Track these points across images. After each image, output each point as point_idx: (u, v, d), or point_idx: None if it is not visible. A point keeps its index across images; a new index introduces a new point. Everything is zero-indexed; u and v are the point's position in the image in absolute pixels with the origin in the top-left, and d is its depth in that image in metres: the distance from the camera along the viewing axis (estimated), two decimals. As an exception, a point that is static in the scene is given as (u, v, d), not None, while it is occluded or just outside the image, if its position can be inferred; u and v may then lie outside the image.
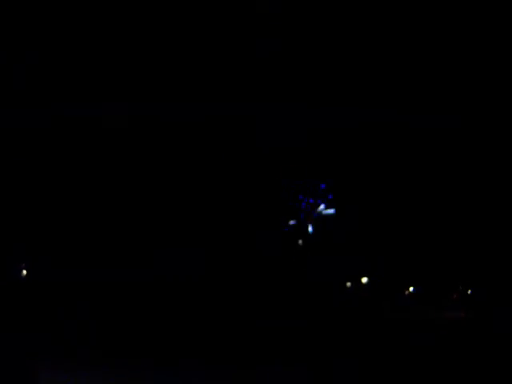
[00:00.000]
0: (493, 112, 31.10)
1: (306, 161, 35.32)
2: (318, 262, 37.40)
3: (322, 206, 37.53)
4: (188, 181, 33.47)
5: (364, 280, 42.55)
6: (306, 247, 37.53)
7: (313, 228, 37.42)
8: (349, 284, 41.70)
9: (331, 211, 37.72)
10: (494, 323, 30.24)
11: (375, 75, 31.99)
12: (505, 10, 27.64)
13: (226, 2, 29.38)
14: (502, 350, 19.83)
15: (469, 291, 43.46)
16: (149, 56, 30.91)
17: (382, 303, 39.65)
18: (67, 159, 32.51)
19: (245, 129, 32.51)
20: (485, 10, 28.66)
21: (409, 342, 23.05)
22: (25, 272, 34.21)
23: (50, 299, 29.05)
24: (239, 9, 29.20)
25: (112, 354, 16.29)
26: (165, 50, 30.67)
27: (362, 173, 36.08)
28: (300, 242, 37.16)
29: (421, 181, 36.37)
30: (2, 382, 10.51)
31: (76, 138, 31.91)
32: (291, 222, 37.29)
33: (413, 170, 36.09)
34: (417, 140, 34.08)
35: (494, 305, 35.05)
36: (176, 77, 31.10)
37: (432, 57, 31.13)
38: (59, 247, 33.20)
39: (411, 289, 46.02)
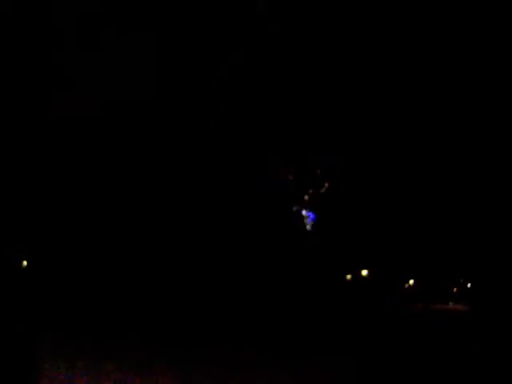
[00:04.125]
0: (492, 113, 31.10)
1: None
2: (318, 255, 37.38)
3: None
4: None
5: (364, 272, 42.58)
6: (305, 239, 37.46)
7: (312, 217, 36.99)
8: (349, 277, 41.74)
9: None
10: (494, 316, 30.29)
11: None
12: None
13: None
14: (502, 343, 19.85)
15: (469, 285, 43.56)
16: None
17: (382, 296, 39.71)
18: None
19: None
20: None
21: (410, 334, 23.07)
22: (25, 263, 34.24)
23: (50, 291, 29.07)
24: None
25: (113, 352, 16.28)
26: None
27: (364, 163, 36.02)
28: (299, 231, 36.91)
29: (423, 173, 36.35)
30: (2, 378, 10.50)
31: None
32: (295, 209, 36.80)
33: (414, 162, 36.04)
34: (417, 135, 34.03)
35: (494, 298, 35.12)
36: None
37: None
38: (59, 238, 33.22)
39: (411, 282, 46.09)
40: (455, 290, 45.37)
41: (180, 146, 31.87)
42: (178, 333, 20.29)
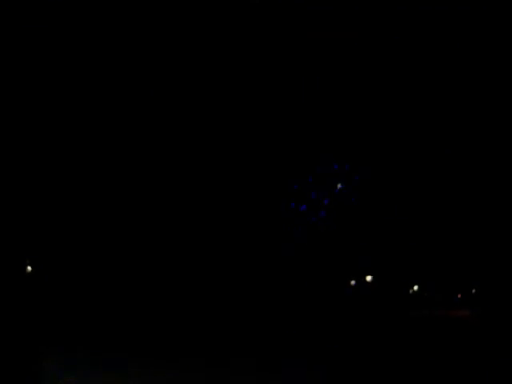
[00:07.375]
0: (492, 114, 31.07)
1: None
2: (321, 259, 37.33)
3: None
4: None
5: (368, 278, 42.48)
6: (308, 243, 37.40)
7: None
8: (353, 282, 41.63)
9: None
10: (498, 322, 30.21)
11: None
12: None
13: None
14: (506, 349, 19.80)
15: (473, 290, 43.40)
16: None
17: (386, 301, 39.59)
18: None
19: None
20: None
21: (413, 339, 23.02)
22: (30, 268, 34.24)
23: (54, 296, 29.12)
24: None
25: (113, 353, 16.31)
26: None
27: (368, 167, 36.04)
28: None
29: (427, 180, 36.34)
30: (6, 380, 10.55)
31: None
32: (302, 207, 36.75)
33: (419, 171, 36.05)
34: (423, 141, 34.03)
35: (497, 303, 35.01)
36: None
37: None
38: (63, 243, 33.24)
39: (415, 287, 45.93)
40: (459, 295, 45.20)
41: None
42: (176, 340, 20.30)
